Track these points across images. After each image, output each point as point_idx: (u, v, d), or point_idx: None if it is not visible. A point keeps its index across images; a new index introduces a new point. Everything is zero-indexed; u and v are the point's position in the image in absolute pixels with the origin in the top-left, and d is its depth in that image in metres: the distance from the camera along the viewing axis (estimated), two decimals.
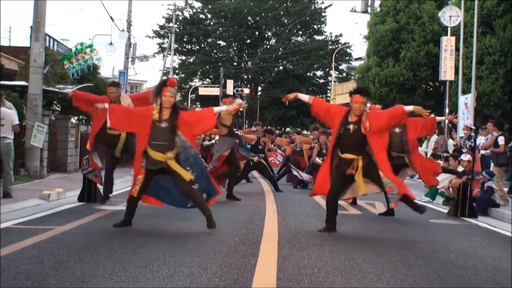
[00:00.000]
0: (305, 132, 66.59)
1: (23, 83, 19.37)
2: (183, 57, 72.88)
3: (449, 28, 28.70)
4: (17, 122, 13.40)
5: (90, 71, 23.94)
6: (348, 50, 69.04)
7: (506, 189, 16.70)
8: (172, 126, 8.94)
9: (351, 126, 9.25)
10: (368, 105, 9.98)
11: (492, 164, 16.22)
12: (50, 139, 19.81)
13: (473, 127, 18.35)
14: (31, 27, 19.32)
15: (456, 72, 28.40)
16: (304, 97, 10.01)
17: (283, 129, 70.82)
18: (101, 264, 6.36)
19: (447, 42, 28.03)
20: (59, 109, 24.57)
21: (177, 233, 8.86)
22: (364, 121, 9.19)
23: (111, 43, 35.02)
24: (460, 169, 14.15)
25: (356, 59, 64.00)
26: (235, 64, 71.71)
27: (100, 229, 8.98)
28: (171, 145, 8.95)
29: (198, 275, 5.99)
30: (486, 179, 13.99)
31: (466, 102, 26.56)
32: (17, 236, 8.03)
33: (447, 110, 27.94)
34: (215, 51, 71.27)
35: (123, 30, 35.88)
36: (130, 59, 39.49)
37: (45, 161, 18.76)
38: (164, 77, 9.92)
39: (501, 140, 15.82)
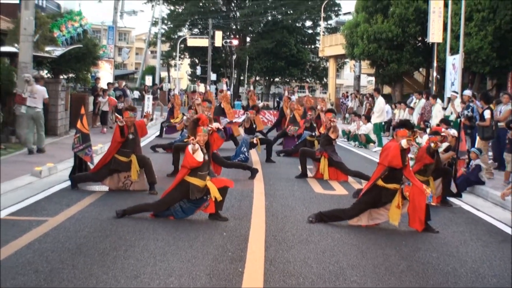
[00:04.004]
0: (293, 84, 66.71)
1: (13, 49, 19.38)
2: (172, 7, 72.37)
3: None
4: (47, 96, 17.26)
5: (80, 38, 23.93)
6: (336, 0, 68.51)
7: (490, 154, 17.05)
8: (209, 157, 9.71)
9: None
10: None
11: (478, 138, 16.47)
12: None
13: (471, 97, 18.45)
14: None
15: (445, 29, 28.41)
16: None
17: (272, 79, 70.83)
18: (94, 273, 6.57)
19: (435, 5, 28.04)
20: (48, 68, 24.68)
21: (166, 227, 9.01)
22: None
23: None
24: (445, 144, 14.29)
25: (345, 14, 63.77)
26: (224, 14, 71.11)
27: (91, 222, 9.16)
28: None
29: None
30: (475, 156, 14.17)
31: (454, 63, 26.71)
32: (12, 232, 8.24)
33: (435, 74, 28.13)
34: (203, 0, 70.82)
35: None
36: (119, 14, 39.32)
37: None
38: (196, 116, 10.26)
39: (487, 114, 16.02)
